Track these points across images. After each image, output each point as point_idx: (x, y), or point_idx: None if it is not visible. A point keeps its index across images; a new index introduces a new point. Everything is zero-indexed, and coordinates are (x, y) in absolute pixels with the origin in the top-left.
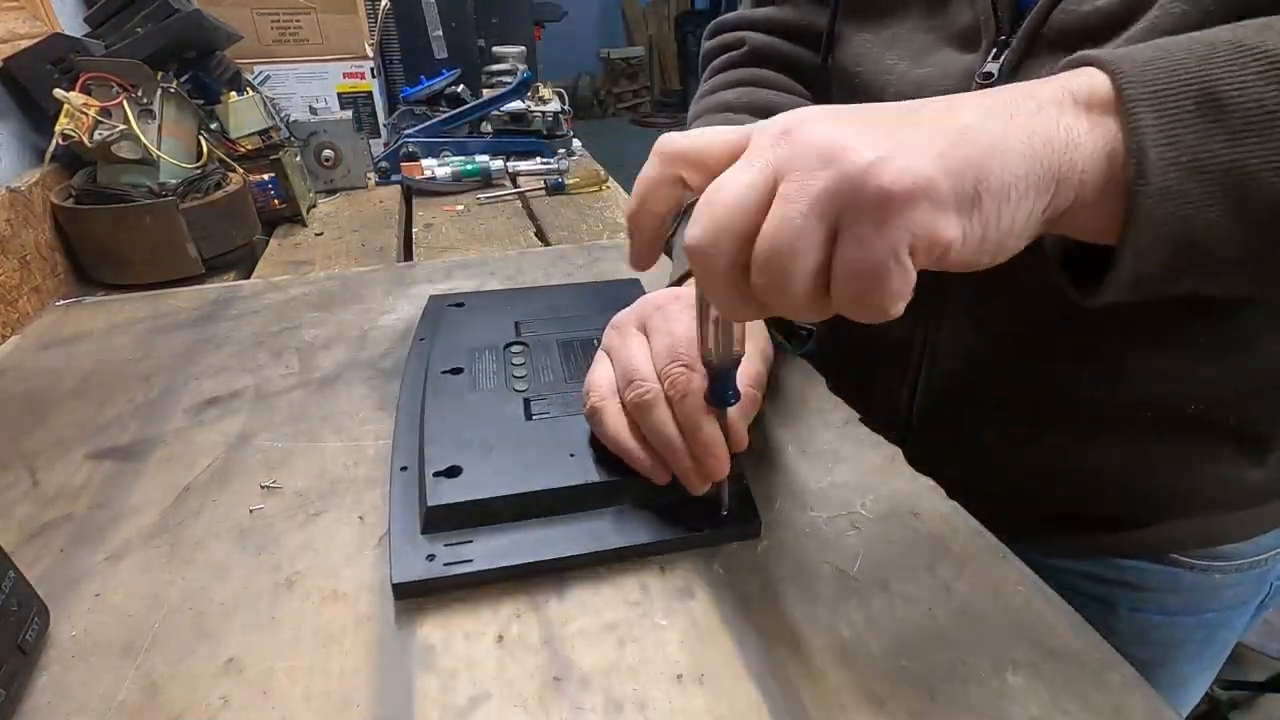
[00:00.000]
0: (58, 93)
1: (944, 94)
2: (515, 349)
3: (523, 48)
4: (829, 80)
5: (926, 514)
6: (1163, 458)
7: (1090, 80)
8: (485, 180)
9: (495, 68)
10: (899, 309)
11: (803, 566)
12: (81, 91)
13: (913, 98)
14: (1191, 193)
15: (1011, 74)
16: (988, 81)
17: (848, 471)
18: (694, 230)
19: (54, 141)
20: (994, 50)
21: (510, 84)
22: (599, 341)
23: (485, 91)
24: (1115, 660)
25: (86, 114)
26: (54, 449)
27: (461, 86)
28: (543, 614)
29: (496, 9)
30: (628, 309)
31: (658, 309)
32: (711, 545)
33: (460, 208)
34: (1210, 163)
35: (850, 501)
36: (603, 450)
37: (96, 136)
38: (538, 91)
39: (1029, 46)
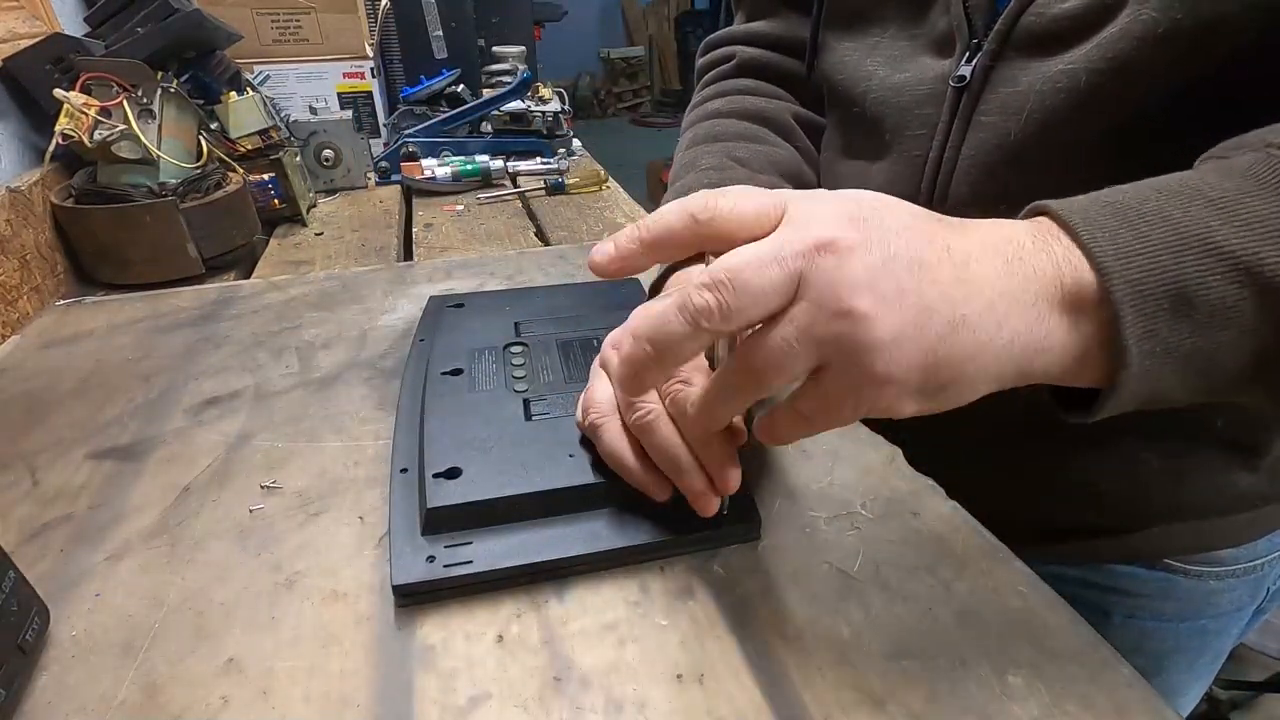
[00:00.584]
0: (58, 93)
1: (921, 98)
2: (515, 349)
3: (523, 48)
4: (817, 88)
5: (926, 514)
6: (1153, 465)
7: (1078, 273)
8: (485, 180)
9: (495, 68)
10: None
11: (803, 566)
12: (81, 91)
13: (892, 102)
14: (1161, 371)
15: (984, 77)
16: (961, 84)
17: (848, 471)
18: (708, 297)
19: (54, 141)
20: (967, 54)
21: (510, 84)
22: (599, 342)
23: (485, 91)
24: (1115, 660)
25: (86, 114)
26: (54, 449)
27: (461, 86)
28: (543, 614)
29: (496, 9)
30: (622, 327)
31: None
32: (712, 546)
33: (460, 208)
34: (1178, 348)
35: (850, 501)
36: None
37: (96, 136)
38: (538, 91)
39: (999, 49)
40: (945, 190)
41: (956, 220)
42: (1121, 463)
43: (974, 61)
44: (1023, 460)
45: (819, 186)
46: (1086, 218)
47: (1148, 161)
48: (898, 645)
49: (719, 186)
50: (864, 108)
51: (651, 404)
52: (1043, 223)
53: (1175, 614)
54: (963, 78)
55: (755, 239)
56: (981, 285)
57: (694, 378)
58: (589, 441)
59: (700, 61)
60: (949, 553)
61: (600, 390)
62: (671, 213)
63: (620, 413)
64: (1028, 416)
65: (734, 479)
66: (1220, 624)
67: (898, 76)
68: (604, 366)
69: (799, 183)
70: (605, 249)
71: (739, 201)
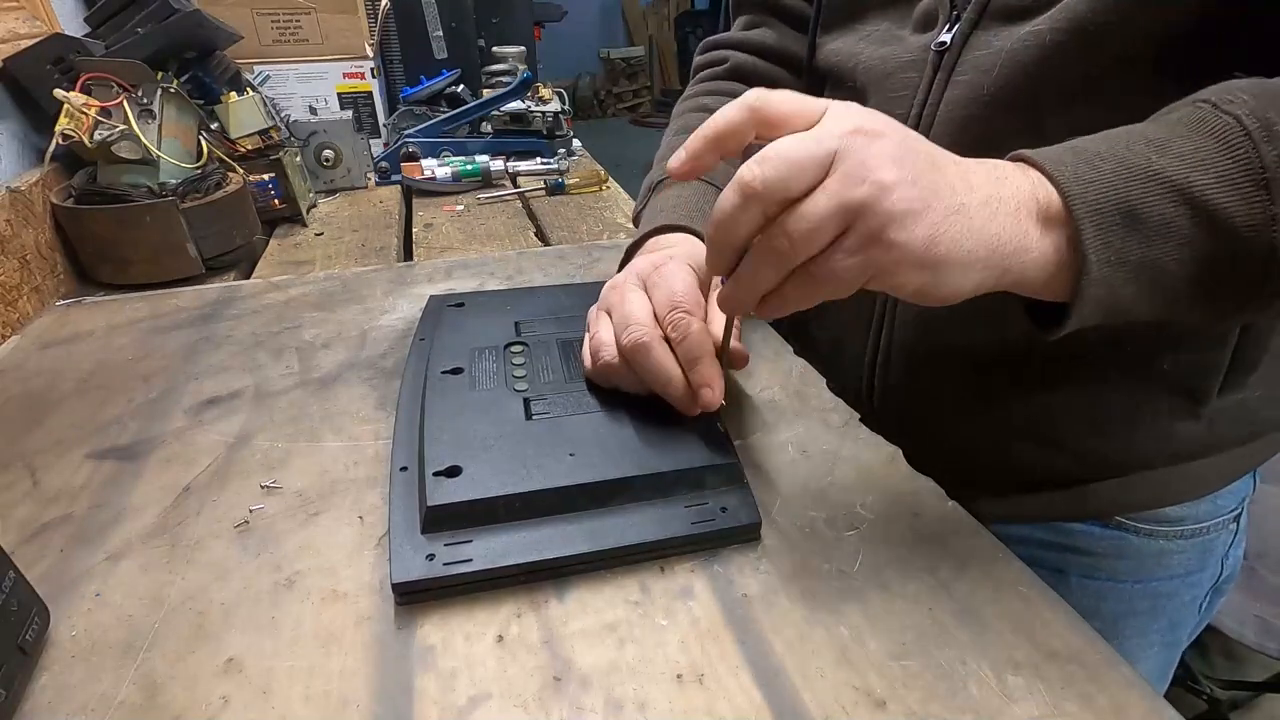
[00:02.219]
0: (58, 93)
1: (904, 66)
2: (515, 349)
3: (523, 48)
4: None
5: (926, 514)
6: (1112, 407)
7: (1049, 195)
8: (485, 180)
9: (495, 68)
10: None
11: (803, 566)
12: (81, 91)
13: (877, 70)
14: (1117, 277)
15: (962, 43)
16: (941, 49)
17: (848, 471)
18: (756, 170)
19: (54, 141)
20: (948, 25)
21: (510, 84)
22: None
23: (485, 92)
24: (1115, 660)
25: (86, 114)
26: (54, 449)
27: (461, 86)
28: (543, 614)
29: (496, 9)
30: (624, 271)
31: (655, 269)
32: (711, 546)
33: (460, 208)
34: (1130, 257)
35: (850, 501)
36: (604, 449)
37: (96, 136)
38: (538, 91)
39: (977, 19)
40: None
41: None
42: (1084, 405)
43: (953, 30)
44: (989, 400)
45: None
46: (1051, 156)
47: (1107, 102)
48: (898, 645)
49: None
50: (854, 82)
51: (646, 327)
52: (1019, 163)
53: (1129, 574)
54: (943, 43)
55: (800, 130)
56: (977, 187)
57: (695, 311)
58: (591, 440)
59: (697, 60)
60: (949, 553)
61: (604, 329)
62: (731, 107)
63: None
64: (994, 357)
65: (718, 396)
66: (1172, 587)
67: (883, 50)
68: (606, 309)
69: None
70: (678, 156)
71: (788, 96)
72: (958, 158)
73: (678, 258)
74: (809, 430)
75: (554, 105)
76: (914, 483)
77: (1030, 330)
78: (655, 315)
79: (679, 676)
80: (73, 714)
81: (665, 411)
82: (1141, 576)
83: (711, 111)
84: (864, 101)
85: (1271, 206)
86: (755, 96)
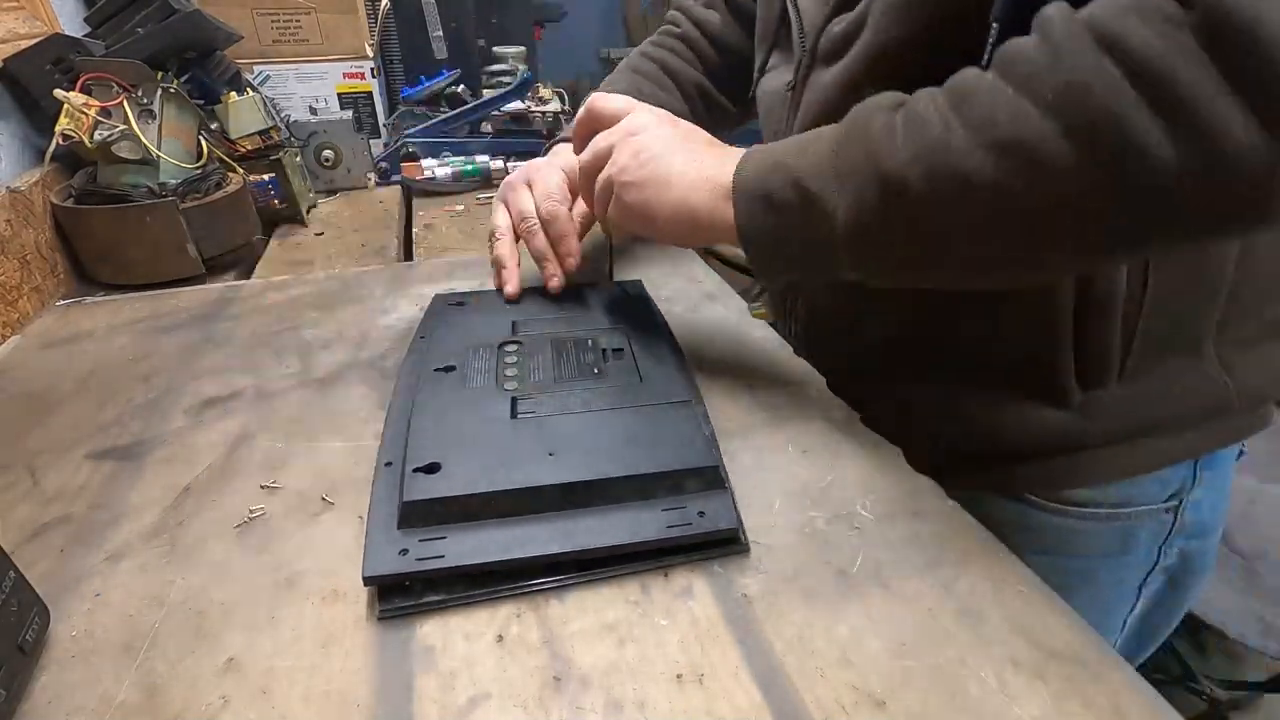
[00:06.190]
0: (58, 93)
1: (778, 100)
2: (509, 348)
3: (523, 48)
4: (729, 76)
5: (926, 514)
6: (956, 400)
7: (730, 179)
8: (485, 180)
9: (495, 68)
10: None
11: (803, 566)
12: (82, 91)
13: (767, 104)
14: (764, 242)
15: (803, 84)
16: (790, 88)
17: (848, 471)
18: (585, 156)
19: (54, 141)
20: (797, 66)
21: (510, 84)
22: (593, 341)
23: (485, 92)
24: (1115, 660)
25: (86, 114)
26: (54, 449)
27: (461, 87)
28: (543, 614)
29: (496, 9)
30: (517, 172)
31: (537, 170)
32: (687, 553)
33: (460, 208)
34: (767, 228)
35: (850, 501)
36: (584, 450)
37: (97, 136)
38: (538, 92)
39: (811, 62)
40: None
41: (712, 139)
42: (939, 398)
43: (798, 72)
44: (868, 393)
45: None
46: (750, 152)
47: None
48: (898, 645)
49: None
50: (761, 109)
51: (534, 220)
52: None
53: (1031, 545)
54: (791, 83)
55: (611, 123)
56: (692, 173)
57: (562, 202)
58: (572, 440)
59: (666, 15)
60: (949, 553)
61: (500, 216)
62: (582, 109)
63: (514, 227)
64: (857, 358)
65: (572, 264)
66: (1085, 565)
67: (774, 85)
68: (503, 200)
69: None
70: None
71: (612, 101)
72: (705, 150)
73: (553, 163)
74: (809, 430)
75: (554, 105)
76: (914, 483)
77: (876, 336)
78: (535, 205)
79: (679, 676)
80: (72, 714)
81: (651, 413)
82: (1046, 549)
83: (648, 59)
84: (763, 124)
85: (840, 190)
86: (594, 99)
